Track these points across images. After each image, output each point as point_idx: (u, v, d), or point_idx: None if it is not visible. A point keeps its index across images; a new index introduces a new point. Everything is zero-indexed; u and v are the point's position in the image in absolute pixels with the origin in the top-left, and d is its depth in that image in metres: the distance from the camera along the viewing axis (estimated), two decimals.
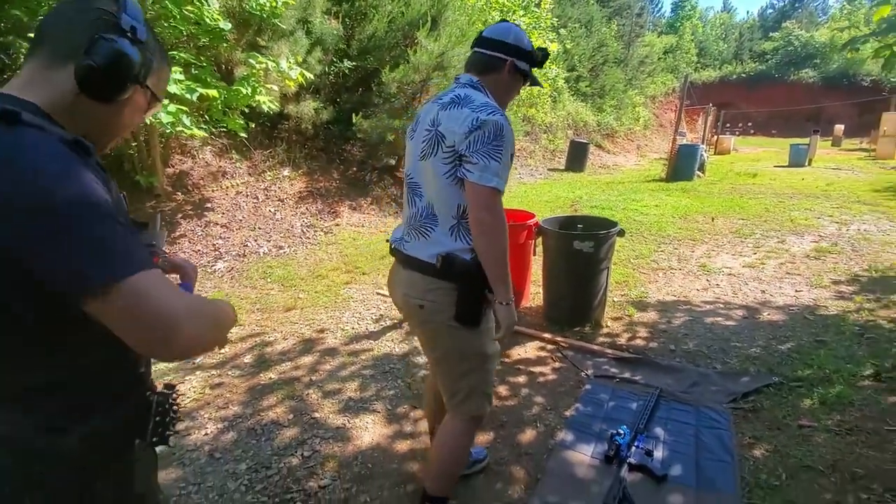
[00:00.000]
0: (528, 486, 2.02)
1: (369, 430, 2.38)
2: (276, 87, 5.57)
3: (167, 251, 1.05)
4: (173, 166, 5.67)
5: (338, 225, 6.25)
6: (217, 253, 4.95)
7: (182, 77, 4.13)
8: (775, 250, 5.29)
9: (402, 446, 2.27)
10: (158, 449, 0.92)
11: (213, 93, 4.34)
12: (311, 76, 6.05)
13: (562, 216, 3.88)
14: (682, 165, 10.86)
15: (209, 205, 5.52)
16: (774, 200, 8.14)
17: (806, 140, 14.69)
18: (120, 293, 0.64)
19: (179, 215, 5.20)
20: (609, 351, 3.12)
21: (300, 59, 6.03)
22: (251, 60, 5.05)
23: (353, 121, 6.86)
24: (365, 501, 1.94)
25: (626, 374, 2.86)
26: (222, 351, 3.13)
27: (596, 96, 17.65)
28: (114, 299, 0.64)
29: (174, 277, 0.97)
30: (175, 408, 0.91)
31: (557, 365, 3.01)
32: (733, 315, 3.67)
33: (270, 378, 2.84)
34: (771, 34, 37.40)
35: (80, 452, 0.76)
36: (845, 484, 1.98)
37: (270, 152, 6.69)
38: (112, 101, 0.77)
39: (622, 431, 2.20)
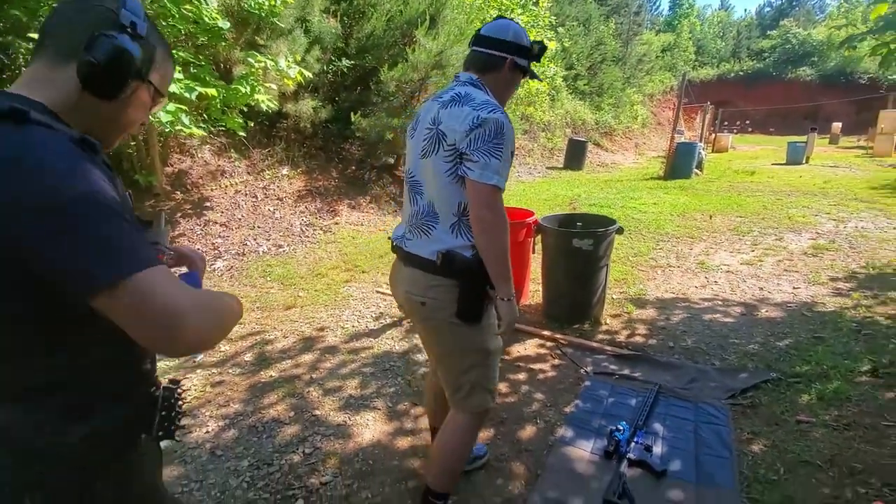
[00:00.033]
0: (528, 482, 2.03)
1: (370, 427, 2.39)
2: (274, 86, 5.57)
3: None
4: (172, 165, 5.66)
5: (337, 223, 6.25)
6: (216, 252, 4.95)
7: (181, 76, 4.13)
8: (773, 247, 5.31)
9: (403, 443, 2.28)
10: (163, 444, 0.92)
11: (211, 91, 4.34)
12: (310, 75, 6.05)
13: (561, 214, 3.89)
14: (680, 163, 10.88)
15: (208, 204, 5.52)
16: (772, 198, 8.16)
17: (803, 138, 14.72)
18: (126, 290, 0.64)
19: (178, 214, 5.20)
20: (608, 348, 3.13)
21: (299, 58, 6.03)
22: (250, 59, 5.05)
23: (352, 119, 6.86)
24: (366, 498, 1.95)
25: (626, 371, 2.88)
26: (223, 349, 3.14)
27: (594, 95, 17.67)
28: (120, 296, 0.64)
29: (178, 270, 0.98)
30: (180, 403, 0.92)
31: (557, 362, 3.02)
32: (731, 312, 3.69)
33: (271, 376, 2.85)
34: (768, 32, 37.45)
35: (81, 452, 0.76)
36: (843, 478, 2.00)
37: (269, 151, 6.69)
38: (115, 97, 0.78)
39: (622, 427, 2.21)
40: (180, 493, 1.96)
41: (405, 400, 2.63)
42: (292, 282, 4.38)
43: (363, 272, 4.61)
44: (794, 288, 4.14)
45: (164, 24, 4.16)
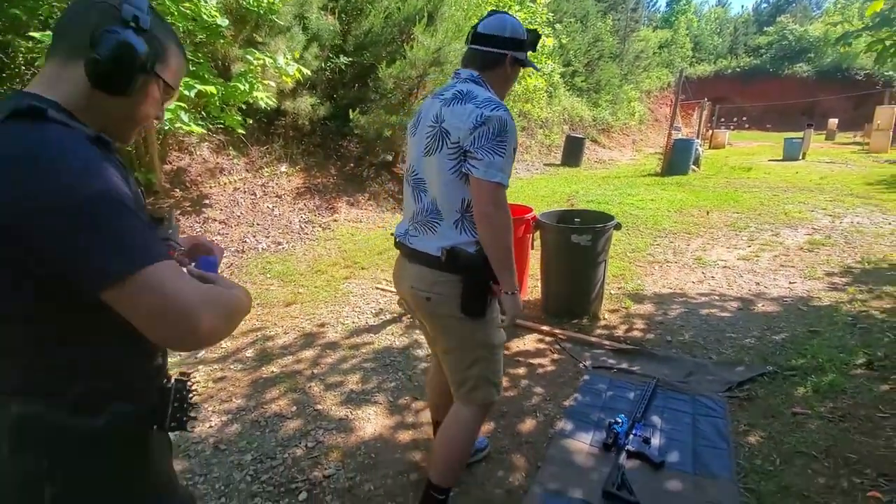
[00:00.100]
0: (528, 474, 2.06)
1: (372, 421, 2.42)
2: (273, 84, 5.57)
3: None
4: (171, 163, 5.66)
5: (336, 220, 6.27)
6: None
7: None
8: (769, 243, 5.35)
9: (405, 436, 2.31)
10: (173, 436, 0.94)
11: (210, 89, 4.34)
12: (308, 72, 6.05)
13: (559, 210, 3.91)
14: (677, 160, 10.91)
15: (207, 201, 5.52)
16: (769, 194, 8.21)
17: (800, 134, 14.77)
18: (136, 284, 0.66)
19: (178, 212, 5.20)
20: (607, 342, 3.16)
21: (297, 55, 6.03)
22: (248, 57, 5.04)
23: (350, 116, 6.86)
24: (369, 490, 1.98)
25: (624, 365, 2.91)
26: (224, 345, 3.15)
27: (591, 91, 17.66)
28: (130, 290, 0.66)
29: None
30: (191, 395, 0.94)
31: (556, 356, 3.05)
32: (728, 306, 3.73)
33: (273, 371, 2.87)
34: (765, 29, 37.51)
35: (96, 443, 0.78)
36: (838, 469, 2.03)
37: (268, 148, 6.69)
38: (123, 93, 0.78)
39: (620, 420, 2.25)
40: (185, 486, 1.98)
41: (406, 394, 2.65)
42: (292, 278, 4.39)
43: (362, 269, 4.63)
44: (790, 283, 4.18)
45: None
